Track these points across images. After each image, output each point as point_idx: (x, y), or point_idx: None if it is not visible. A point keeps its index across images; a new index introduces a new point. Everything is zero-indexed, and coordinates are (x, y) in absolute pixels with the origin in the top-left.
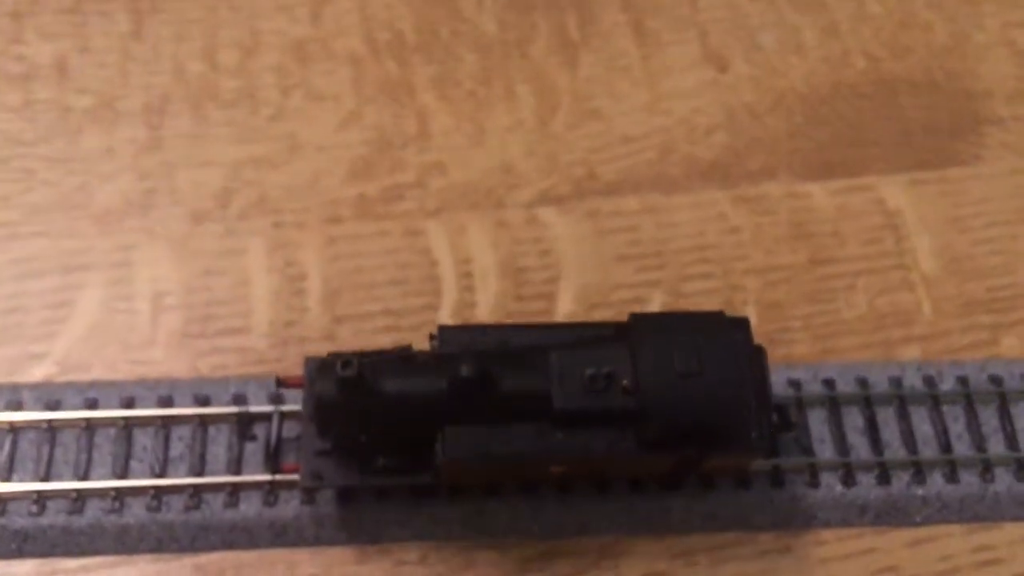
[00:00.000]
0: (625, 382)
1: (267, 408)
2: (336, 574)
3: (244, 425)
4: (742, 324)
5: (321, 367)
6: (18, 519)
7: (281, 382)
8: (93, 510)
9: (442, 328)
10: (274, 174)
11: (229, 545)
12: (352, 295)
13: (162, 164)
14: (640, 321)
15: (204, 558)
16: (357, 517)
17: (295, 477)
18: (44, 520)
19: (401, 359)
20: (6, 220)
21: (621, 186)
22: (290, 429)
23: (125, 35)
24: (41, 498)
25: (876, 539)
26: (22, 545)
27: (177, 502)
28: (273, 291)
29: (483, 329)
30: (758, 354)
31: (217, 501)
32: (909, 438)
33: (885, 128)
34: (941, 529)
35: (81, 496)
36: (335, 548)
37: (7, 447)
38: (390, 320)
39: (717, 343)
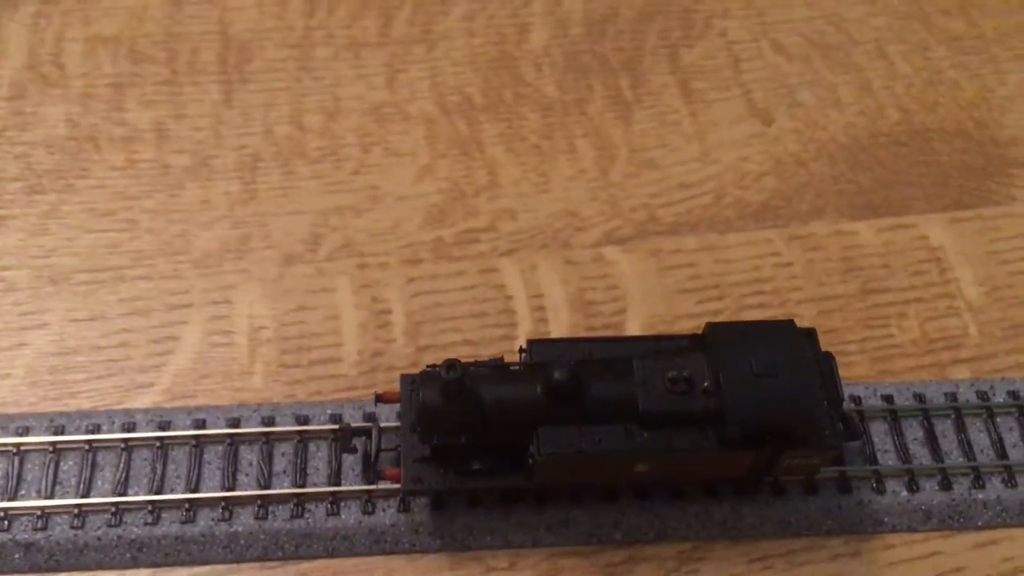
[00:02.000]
0: (706, 384)
1: (363, 425)
2: None
3: (346, 436)
4: (811, 333)
5: (424, 377)
6: (134, 529)
7: (380, 397)
8: (205, 520)
9: (531, 341)
10: (358, 221)
11: (331, 552)
12: (433, 327)
13: (255, 213)
14: (716, 329)
15: (307, 565)
16: (450, 525)
17: (394, 485)
18: (159, 530)
19: (497, 368)
20: (115, 265)
21: (680, 227)
22: (385, 443)
23: (217, 103)
24: (156, 508)
25: (941, 543)
26: (137, 554)
27: (282, 511)
28: (361, 324)
29: (569, 342)
30: (827, 359)
31: (319, 510)
32: (967, 447)
33: (923, 172)
34: (1003, 532)
35: (193, 506)
36: (429, 555)
37: (122, 464)
38: (470, 349)
39: (790, 348)
